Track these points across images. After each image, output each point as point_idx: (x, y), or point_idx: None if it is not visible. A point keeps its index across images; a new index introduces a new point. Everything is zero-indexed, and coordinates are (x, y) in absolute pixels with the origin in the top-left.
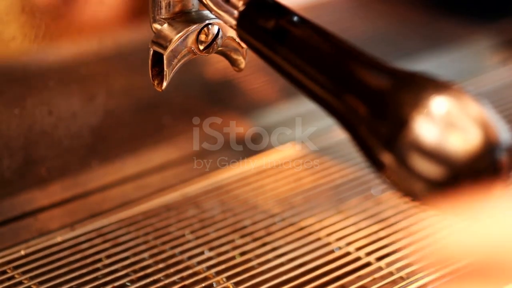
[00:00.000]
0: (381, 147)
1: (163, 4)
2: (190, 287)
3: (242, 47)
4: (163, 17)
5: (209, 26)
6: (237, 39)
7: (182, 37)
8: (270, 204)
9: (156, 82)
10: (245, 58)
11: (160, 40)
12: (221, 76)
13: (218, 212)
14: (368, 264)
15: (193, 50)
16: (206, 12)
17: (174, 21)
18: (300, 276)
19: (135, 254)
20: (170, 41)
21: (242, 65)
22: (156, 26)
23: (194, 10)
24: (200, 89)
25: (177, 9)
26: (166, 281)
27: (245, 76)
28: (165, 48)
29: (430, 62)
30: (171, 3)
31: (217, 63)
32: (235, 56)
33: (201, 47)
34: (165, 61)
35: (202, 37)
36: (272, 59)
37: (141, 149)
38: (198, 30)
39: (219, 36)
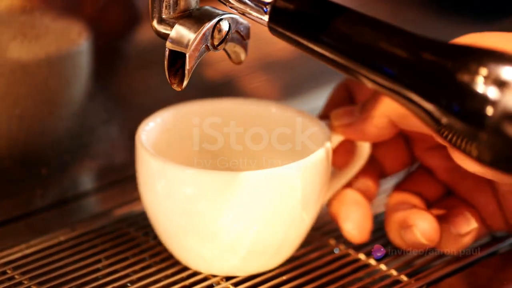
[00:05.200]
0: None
1: (166, 4)
2: (190, 287)
3: (245, 40)
4: (169, 16)
5: (220, 21)
6: (242, 32)
7: (200, 35)
8: None
9: (175, 82)
10: (247, 50)
11: (180, 40)
12: (221, 76)
13: None
14: (367, 265)
15: (208, 47)
16: (210, 8)
17: (184, 20)
18: (299, 276)
19: (135, 255)
20: (190, 39)
21: (243, 58)
22: (163, 26)
23: (196, 7)
24: (200, 89)
25: (181, 7)
26: (166, 282)
27: (244, 75)
28: (187, 47)
29: None
30: (176, 2)
31: (217, 63)
32: (237, 50)
33: (216, 43)
34: (187, 60)
35: (216, 33)
36: (314, 49)
37: None
38: (213, 26)
39: (231, 30)
